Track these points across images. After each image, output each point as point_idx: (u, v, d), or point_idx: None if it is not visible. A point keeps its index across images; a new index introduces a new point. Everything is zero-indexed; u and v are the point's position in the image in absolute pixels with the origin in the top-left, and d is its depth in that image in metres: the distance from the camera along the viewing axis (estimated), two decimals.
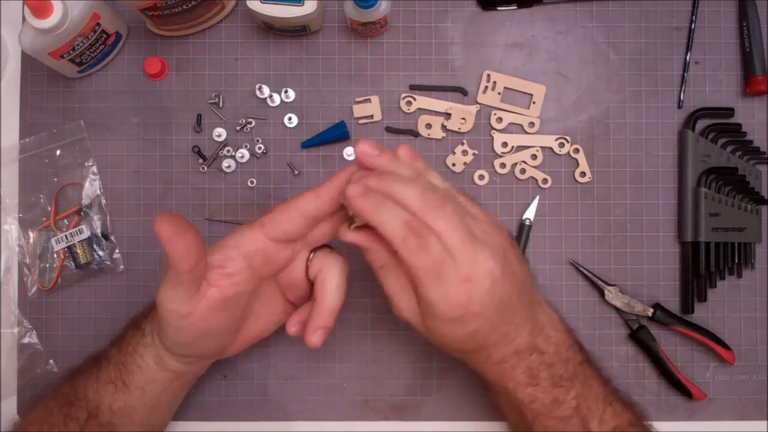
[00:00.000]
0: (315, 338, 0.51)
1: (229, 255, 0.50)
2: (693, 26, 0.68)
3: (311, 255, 0.54)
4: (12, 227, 0.67)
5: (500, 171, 0.68)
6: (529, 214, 0.67)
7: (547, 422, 0.52)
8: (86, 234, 0.66)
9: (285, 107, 0.68)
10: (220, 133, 0.67)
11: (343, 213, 0.52)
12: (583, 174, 0.67)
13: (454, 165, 0.67)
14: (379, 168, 0.49)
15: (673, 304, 0.67)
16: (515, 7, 0.68)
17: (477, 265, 0.47)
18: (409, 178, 0.48)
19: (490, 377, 0.53)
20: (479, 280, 0.47)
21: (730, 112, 0.67)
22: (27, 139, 0.67)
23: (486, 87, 0.68)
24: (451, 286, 0.46)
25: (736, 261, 0.67)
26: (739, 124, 0.68)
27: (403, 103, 0.68)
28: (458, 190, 0.52)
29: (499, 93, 0.68)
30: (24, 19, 0.57)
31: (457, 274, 0.46)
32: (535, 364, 0.52)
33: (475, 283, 0.47)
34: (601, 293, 0.67)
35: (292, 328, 0.54)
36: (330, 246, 0.55)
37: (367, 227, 0.49)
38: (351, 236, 0.50)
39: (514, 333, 0.51)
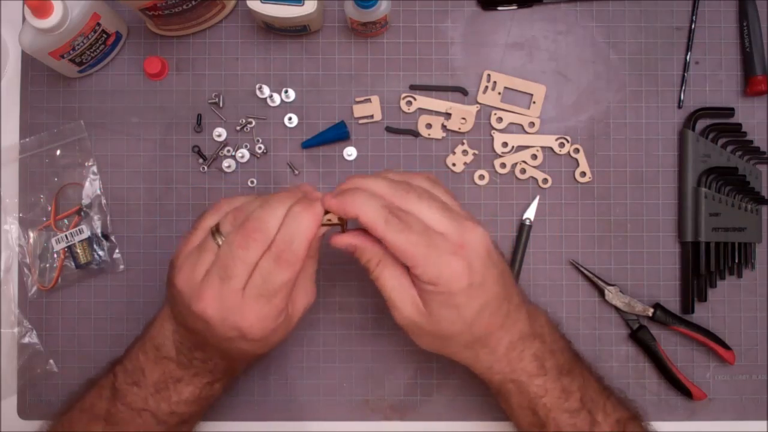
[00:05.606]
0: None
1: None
2: (693, 26, 0.68)
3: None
4: (12, 227, 0.67)
5: (500, 171, 0.67)
6: (529, 214, 0.67)
7: (560, 418, 0.52)
8: (86, 234, 0.66)
9: (285, 107, 0.68)
10: (220, 133, 0.67)
11: None
12: (583, 174, 0.67)
13: (454, 165, 0.67)
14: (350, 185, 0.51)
15: (673, 304, 0.67)
16: (515, 7, 0.68)
17: (466, 232, 0.48)
18: (374, 175, 0.51)
19: (501, 373, 0.53)
20: (473, 246, 0.48)
21: (730, 112, 0.67)
22: (27, 139, 0.67)
23: (486, 87, 0.68)
24: (447, 256, 0.47)
25: (736, 261, 0.67)
26: (739, 124, 0.68)
27: (403, 103, 0.68)
28: (422, 173, 0.54)
29: (499, 93, 0.68)
30: (24, 19, 0.57)
31: (448, 244, 0.48)
32: (539, 352, 0.53)
33: (469, 249, 0.48)
34: (601, 293, 0.67)
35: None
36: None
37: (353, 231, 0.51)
38: (342, 239, 0.51)
39: (516, 314, 0.52)
